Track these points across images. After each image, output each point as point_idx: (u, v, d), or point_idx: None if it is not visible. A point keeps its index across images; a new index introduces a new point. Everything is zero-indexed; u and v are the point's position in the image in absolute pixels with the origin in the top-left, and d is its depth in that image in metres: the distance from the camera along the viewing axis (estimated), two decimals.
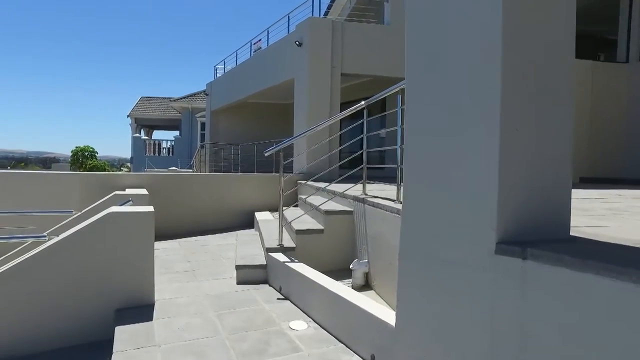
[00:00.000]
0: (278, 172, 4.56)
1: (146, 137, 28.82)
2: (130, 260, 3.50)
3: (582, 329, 1.33)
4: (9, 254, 4.64)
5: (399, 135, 3.89)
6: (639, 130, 8.33)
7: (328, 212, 4.67)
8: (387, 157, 9.49)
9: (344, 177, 5.05)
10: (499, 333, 1.61)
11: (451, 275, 1.85)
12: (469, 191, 1.76)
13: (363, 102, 4.64)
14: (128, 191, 6.19)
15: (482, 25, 1.71)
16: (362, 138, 4.81)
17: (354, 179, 4.97)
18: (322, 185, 5.62)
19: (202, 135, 21.72)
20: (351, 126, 5.45)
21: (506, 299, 1.58)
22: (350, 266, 4.18)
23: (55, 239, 3.37)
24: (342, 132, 7.31)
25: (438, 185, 1.95)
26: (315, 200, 5.27)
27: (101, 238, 3.41)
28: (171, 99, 26.46)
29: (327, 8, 13.87)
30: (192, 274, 4.53)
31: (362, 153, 4.83)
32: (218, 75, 16.75)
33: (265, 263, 4.34)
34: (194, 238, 6.46)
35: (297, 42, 8.83)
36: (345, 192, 4.84)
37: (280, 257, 4.16)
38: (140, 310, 3.40)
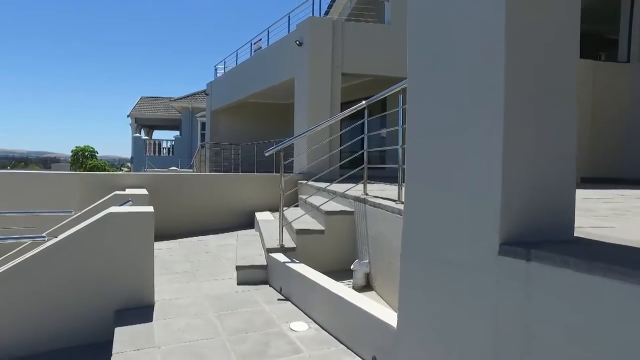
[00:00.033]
0: (278, 172, 4.54)
1: (146, 137, 28.79)
2: (130, 260, 3.48)
3: (588, 331, 1.32)
4: (8, 254, 4.62)
5: (400, 135, 3.87)
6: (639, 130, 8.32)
7: (329, 213, 4.65)
8: (388, 157, 9.47)
9: (344, 177, 5.03)
10: (502, 335, 1.59)
11: (453, 276, 1.83)
12: (472, 191, 1.74)
13: (364, 102, 4.62)
14: (128, 191, 6.17)
15: (484, 24, 1.69)
16: (363, 138, 4.79)
17: (354, 179, 4.95)
18: (322, 185, 5.60)
19: (203, 135, 21.71)
20: (352, 126, 5.44)
21: (510, 300, 1.57)
22: (351, 267, 4.16)
23: (55, 240, 3.35)
24: (342, 132, 7.29)
25: (440, 186, 1.93)
26: (316, 200, 5.26)
27: (101, 238, 3.40)
28: (171, 99, 26.44)
29: (328, 7, 13.85)
30: (192, 275, 4.51)
31: (362, 153, 4.81)
32: (218, 75, 16.73)
33: (265, 263, 4.32)
34: (194, 238, 6.44)
35: (297, 42, 8.81)
36: (346, 192, 4.82)
37: (280, 257, 4.14)
38: (140, 311, 3.39)
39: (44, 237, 3.46)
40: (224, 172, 13.33)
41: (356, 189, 4.82)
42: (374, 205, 4.06)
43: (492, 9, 1.65)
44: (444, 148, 1.91)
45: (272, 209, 7.00)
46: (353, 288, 3.95)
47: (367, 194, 4.57)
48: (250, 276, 4.22)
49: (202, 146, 17.48)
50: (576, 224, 1.75)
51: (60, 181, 6.63)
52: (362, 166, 4.74)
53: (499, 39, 1.62)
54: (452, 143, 1.86)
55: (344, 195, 4.86)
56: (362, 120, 4.80)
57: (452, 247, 1.85)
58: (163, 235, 6.05)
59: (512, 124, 1.62)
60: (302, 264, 3.86)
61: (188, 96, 25.41)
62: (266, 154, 4.73)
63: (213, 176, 8.68)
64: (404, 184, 3.41)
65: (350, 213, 4.65)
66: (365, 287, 4.06)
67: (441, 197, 1.92)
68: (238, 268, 4.27)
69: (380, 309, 2.68)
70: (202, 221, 7.00)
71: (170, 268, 4.75)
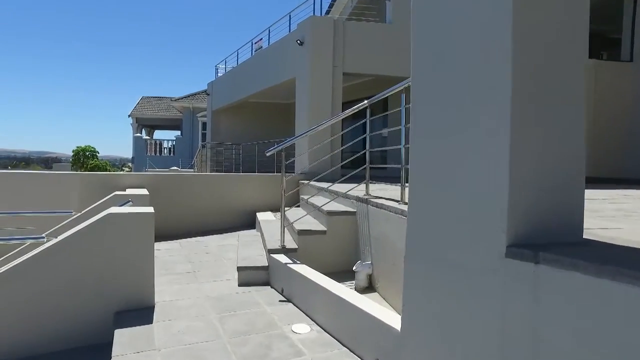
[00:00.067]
0: (280, 172, 4.50)
1: (147, 137, 28.78)
2: (130, 261, 3.45)
3: (597, 335, 1.29)
4: (8, 254, 4.59)
5: (402, 135, 3.83)
6: None
7: (330, 213, 4.61)
8: (389, 156, 9.43)
9: (346, 177, 4.99)
10: (509, 337, 1.56)
11: (459, 278, 1.80)
12: (478, 192, 1.71)
13: (366, 101, 4.58)
14: (128, 191, 6.14)
15: (491, 23, 1.66)
16: (365, 138, 4.76)
17: (356, 179, 4.91)
18: (324, 185, 5.57)
19: (204, 135, 21.68)
20: (353, 126, 5.40)
21: (517, 303, 1.53)
22: (354, 268, 4.12)
23: (54, 240, 3.32)
24: (344, 132, 7.26)
25: (445, 186, 1.90)
26: (318, 200, 5.22)
27: (100, 239, 3.37)
28: (172, 99, 26.43)
29: (329, 7, 13.80)
30: (193, 276, 4.48)
31: (364, 153, 4.77)
32: (219, 74, 16.70)
33: (267, 264, 4.29)
34: (195, 239, 6.41)
35: (298, 41, 8.77)
36: (348, 193, 4.78)
37: (282, 258, 4.11)
38: (140, 312, 3.36)
39: (44, 237, 3.44)
40: (225, 172, 13.31)
41: (358, 189, 4.78)
42: (377, 205, 4.02)
43: (498, 8, 1.62)
44: (449, 148, 1.88)
45: (274, 209, 6.97)
46: (355, 289, 3.92)
47: (369, 194, 4.53)
48: (251, 277, 4.19)
49: (203, 146, 17.46)
50: (584, 225, 1.71)
51: (61, 181, 6.61)
52: (364, 166, 4.70)
53: (506, 38, 1.59)
54: (457, 143, 1.83)
55: (345, 196, 4.83)
56: (363, 120, 4.77)
57: (457, 248, 1.82)
58: (164, 235, 6.02)
59: (519, 123, 1.59)
60: (304, 265, 3.83)
61: (189, 96, 25.40)
62: (267, 154, 4.70)
63: (214, 176, 8.65)
64: (406, 184, 3.38)
65: (353, 213, 4.62)
66: (368, 288, 4.02)
67: (446, 198, 1.89)
68: (239, 269, 4.24)
69: (383, 311, 2.65)
70: (203, 221, 6.98)
71: (171, 269, 4.72)
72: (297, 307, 3.54)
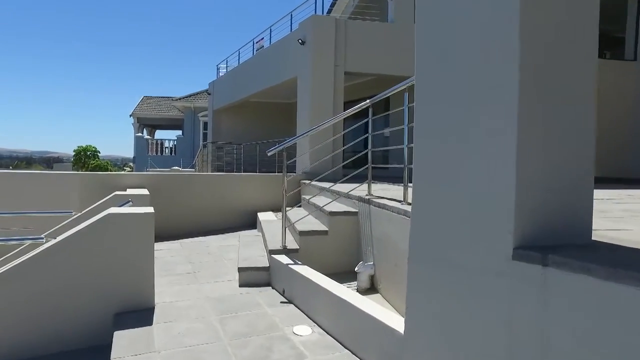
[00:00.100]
0: (281, 172, 4.47)
1: (149, 137, 28.77)
2: (130, 262, 3.42)
3: (609, 341, 1.25)
4: (7, 255, 4.56)
5: (405, 134, 3.79)
6: None
7: (332, 213, 4.57)
8: (391, 156, 9.39)
9: (348, 177, 4.95)
10: (516, 342, 1.53)
11: (464, 280, 1.76)
12: (484, 192, 1.68)
13: (368, 101, 4.54)
14: (129, 191, 6.11)
15: (498, 21, 1.62)
16: (367, 137, 4.72)
17: (358, 179, 4.87)
18: (326, 185, 5.53)
19: (205, 135, 21.67)
20: (355, 125, 5.36)
21: (525, 306, 1.50)
22: (356, 269, 4.08)
23: (53, 241, 3.29)
24: (345, 131, 7.21)
25: (450, 186, 1.86)
26: (319, 200, 5.18)
27: (100, 240, 3.34)
28: (173, 99, 26.41)
29: (330, 6, 13.76)
30: (193, 276, 4.44)
31: (366, 153, 4.73)
32: (220, 74, 16.67)
33: (268, 265, 4.25)
34: (195, 239, 6.38)
35: (300, 41, 8.73)
36: (349, 193, 4.74)
37: (283, 259, 4.07)
38: (139, 314, 3.32)
39: (42, 238, 3.41)
40: (226, 172, 13.28)
41: (360, 189, 4.75)
42: (379, 206, 3.98)
43: (505, 6, 1.57)
44: (453, 148, 1.84)
45: (275, 209, 6.94)
46: (357, 291, 3.88)
47: (371, 194, 4.49)
48: (252, 278, 4.15)
49: (204, 146, 17.44)
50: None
51: (61, 181, 6.59)
52: (366, 166, 4.66)
53: (512, 37, 1.55)
54: (462, 142, 1.79)
55: (347, 196, 4.79)
56: (366, 120, 4.72)
57: (461, 250, 1.78)
58: (164, 235, 5.99)
59: (526, 123, 1.55)
60: (305, 266, 3.79)
61: (190, 95, 25.39)
62: (268, 154, 4.66)
63: (215, 176, 8.61)
64: (409, 184, 3.34)
65: (355, 214, 4.58)
66: (370, 289, 3.98)
67: (451, 198, 1.85)
68: (240, 269, 4.20)
69: (386, 313, 2.61)
70: (204, 221, 6.94)
71: (171, 269, 4.68)
72: (298, 308, 3.51)
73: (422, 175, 2.05)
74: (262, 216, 6.40)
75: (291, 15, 10.66)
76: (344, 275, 4.09)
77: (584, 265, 1.31)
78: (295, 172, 6.94)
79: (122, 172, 12.25)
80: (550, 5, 1.58)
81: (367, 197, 4.35)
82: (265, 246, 4.78)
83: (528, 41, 1.54)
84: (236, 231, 6.70)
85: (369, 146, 4.67)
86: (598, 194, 4.66)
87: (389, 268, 3.76)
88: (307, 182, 6.18)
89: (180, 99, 25.61)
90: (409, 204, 3.46)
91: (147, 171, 17.51)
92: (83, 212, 5.21)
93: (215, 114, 16.50)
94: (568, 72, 1.63)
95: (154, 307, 3.47)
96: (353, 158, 5.27)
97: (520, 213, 1.55)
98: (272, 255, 4.22)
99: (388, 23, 9.34)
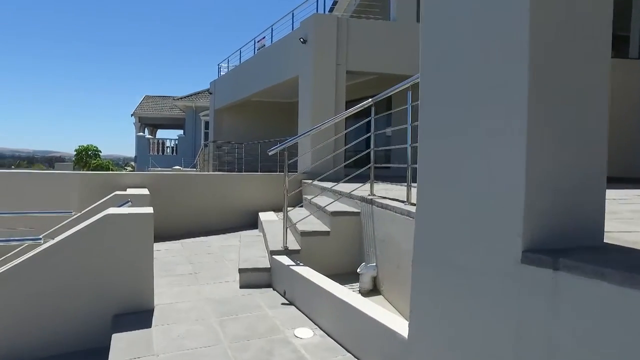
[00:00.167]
0: (282, 172, 4.41)
1: (150, 136, 28.75)
2: (129, 263, 3.38)
3: (624, 351, 1.18)
4: (5, 256, 4.53)
5: (409, 134, 3.73)
6: None
7: (334, 213, 4.52)
8: (393, 156, 9.32)
9: (350, 177, 4.89)
10: (524, 348, 1.47)
11: (471, 283, 1.71)
12: (491, 192, 1.62)
13: (370, 100, 4.48)
14: (129, 191, 6.06)
15: (507, 19, 1.56)
16: (369, 137, 4.66)
17: (360, 179, 4.81)
18: (327, 185, 5.48)
19: (206, 134, 21.64)
20: (357, 124, 5.30)
21: (534, 311, 1.44)
22: (358, 270, 4.03)
23: (51, 242, 3.25)
24: (347, 130, 7.15)
25: (456, 187, 1.80)
26: (321, 200, 5.13)
27: (98, 240, 3.29)
28: (175, 98, 26.40)
29: (332, 4, 13.70)
30: (193, 277, 4.39)
31: (368, 152, 4.67)
32: (222, 73, 16.63)
33: (269, 266, 4.20)
34: (196, 239, 6.33)
35: (301, 39, 8.68)
36: (352, 193, 4.69)
37: (284, 260, 4.01)
38: (138, 316, 3.27)
39: (40, 239, 3.36)
40: (227, 172, 13.23)
41: (362, 189, 4.69)
42: (382, 206, 3.92)
43: (516, 4, 1.52)
44: (460, 148, 1.79)
45: (276, 209, 6.89)
46: (360, 292, 3.82)
47: (374, 195, 4.44)
48: (253, 279, 4.10)
49: (206, 145, 17.40)
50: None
51: (61, 181, 6.54)
52: (369, 165, 4.60)
53: (522, 35, 1.49)
54: (469, 142, 1.73)
55: (349, 196, 4.73)
56: (368, 119, 4.66)
57: (469, 252, 1.72)
58: (164, 235, 5.95)
59: (536, 122, 1.49)
60: (307, 267, 3.74)
61: (191, 95, 25.37)
62: (270, 153, 4.61)
63: (216, 175, 8.56)
64: (413, 184, 3.28)
65: (357, 214, 4.52)
66: (372, 291, 3.93)
67: (457, 199, 1.79)
68: (241, 271, 4.15)
69: (389, 315, 2.55)
70: (205, 221, 6.90)
71: (171, 270, 4.63)
72: (299, 310, 3.45)
73: (427, 175, 2.00)
74: (263, 216, 6.35)
75: (293, 13, 10.62)
76: (346, 276, 4.03)
77: (598, 270, 1.25)
78: (296, 172, 6.88)
79: (122, 172, 12.21)
80: (562, 4, 1.52)
81: (369, 197, 4.29)
82: (266, 247, 4.73)
83: (537, 39, 1.49)
84: (237, 231, 6.66)
85: (372, 145, 4.61)
86: (607, 194, 4.59)
87: (392, 269, 3.71)
88: (309, 181, 6.13)
89: (181, 98, 25.60)
90: (412, 204, 3.40)
91: (148, 170, 17.49)
92: (83, 212, 5.17)
93: (217, 113, 16.45)
94: (579, 71, 1.57)
95: (153, 309, 3.42)
96: (355, 158, 5.22)
97: (529, 215, 1.49)
98: (273, 256, 4.17)
99: (390, 21, 9.27)
